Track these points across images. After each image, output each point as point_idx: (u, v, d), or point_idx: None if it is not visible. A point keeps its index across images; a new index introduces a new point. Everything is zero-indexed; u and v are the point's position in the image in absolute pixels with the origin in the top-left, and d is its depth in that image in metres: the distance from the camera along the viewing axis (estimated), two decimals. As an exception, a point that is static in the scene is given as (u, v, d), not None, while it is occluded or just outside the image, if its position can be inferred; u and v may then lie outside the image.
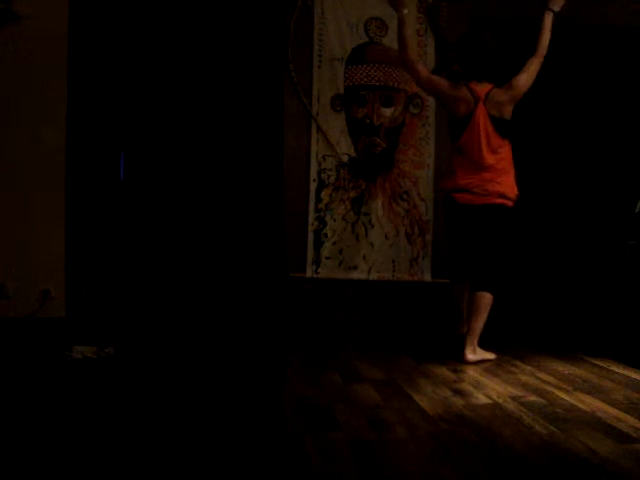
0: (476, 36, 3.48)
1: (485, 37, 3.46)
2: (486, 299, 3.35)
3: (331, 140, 4.22)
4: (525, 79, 3.40)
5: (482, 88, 3.40)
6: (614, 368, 3.25)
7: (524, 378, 3.03)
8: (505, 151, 3.42)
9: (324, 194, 4.24)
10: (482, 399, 2.65)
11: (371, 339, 3.99)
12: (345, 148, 4.24)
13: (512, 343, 3.85)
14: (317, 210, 4.24)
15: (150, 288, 4.39)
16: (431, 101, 4.21)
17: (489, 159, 3.38)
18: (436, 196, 4.17)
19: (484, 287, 3.37)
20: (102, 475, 1.83)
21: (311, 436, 2.14)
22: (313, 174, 4.23)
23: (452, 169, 3.50)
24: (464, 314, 3.54)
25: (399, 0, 3.45)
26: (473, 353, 3.35)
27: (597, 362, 3.38)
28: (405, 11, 3.45)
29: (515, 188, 3.44)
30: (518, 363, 3.36)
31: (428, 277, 4.29)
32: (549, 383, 2.93)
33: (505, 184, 3.40)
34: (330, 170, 4.24)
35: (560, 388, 2.83)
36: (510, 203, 3.43)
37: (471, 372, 3.18)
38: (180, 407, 2.49)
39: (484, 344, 3.43)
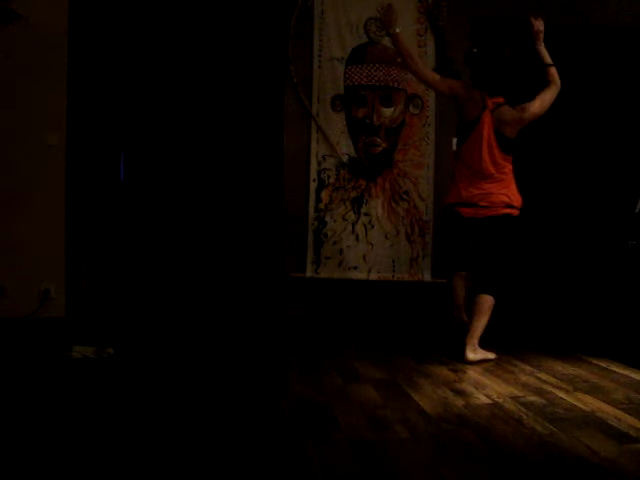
0: (495, 52, 3.37)
1: (504, 52, 3.36)
2: (488, 302, 3.36)
3: (331, 140, 4.22)
4: (537, 107, 3.36)
5: (493, 99, 3.37)
6: (614, 368, 3.25)
7: (524, 378, 3.03)
8: (506, 164, 3.42)
9: (324, 194, 4.24)
10: (482, 399, 2.65)
11: (371, 339, 3.99)
12: (345, 148, 4.24)
13: (512, 343, 3.85)
14: (317, 210, 4.24)
15: (150, 288, 4.40)
16: (431, 101, 4.22)
17: (490, 168, 3.36)
18: (437, 201, 4.20)
19: (487, 290, 3.37)
20: (102, 475, 1.83)
21: (311, 436, 2.14)
22: (313, 174, 4.23)
23: (455, 179, 3.49)
24: (462, 302, 3.59)
25: (389, 21, 3.42)
26: (474, 353, 3.35)
27: (597, 362, 3.38)
28: (398, 29, 3.43)
29: (519, 196, 3.44)
30: (518, 363, 3.36)
31: (428, 277, 4.30)
32: (549, 383, 2.93)
33: (510, 193, 3.39)
34: (330, 170, 4.24)
35: (560, 388, 2.83)
36: (516, 212, 3.42)
37: (471, 372, 3.18)
38: (180, 407, 2.49)
39: (484, 344, 3.43)
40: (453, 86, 3.48)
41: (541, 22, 3.46)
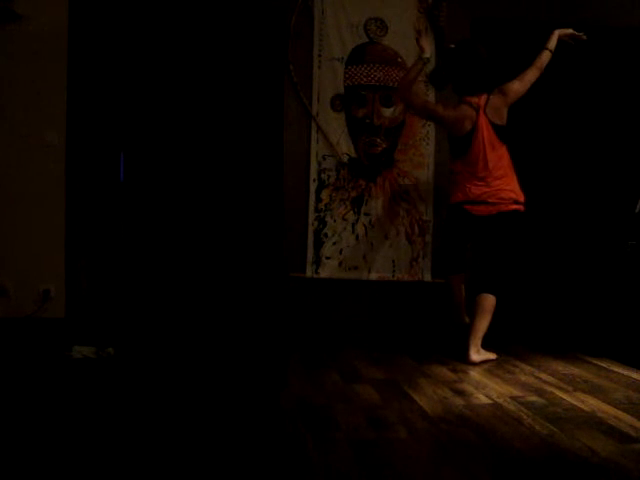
0: (471, 49, 3.43)
1: (480, 50, 3.42)
2: (490, 301, 3.36)
3: (331, 140, 4.22)
4: (517, 87, 3.40)
5: (479, 98, 3.40)
6: (614, 368, 3.25)
7: (524, 378, 3.03)
8: (506, 156, 3.43)
9: (324, 194, 4.24)
10: (482, 399, 2.65)
11: (371, 339, 3.99)
12: (345, 148, 4.24)
13: (512, 343, 3.85)
14: (317, 210, 4.24)
15: (150, 288, 4.40)
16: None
17: (495, 167, 3.37)
18: (437, 201, 4.21)
19: (489, 290, 3.37)
20: (102, 475, 1.83)
21: (311, 436, 2.14)
22: (313, 174, 4.23)
23: (457, 182, 3.48)
24: (463, 303, 3.61)
25: (422, 47, 3.54)
26: (477, 353, 3.35)
27: (597, 362, 3.38)
28: (425, 57, 3.52)
29: (522, 193, 3.45)
30: (518, 363, 3.36)
31: (428, 277, 4.29)
32: (549, 383, 2.93)
33: (515, 190, 3.41)
34: (330, 170, 4.24)
35: (560, 388, 2.83)
36: (522, 208, 3.43)
37: (471, 372, 3.18)
38: (180, 407, 2.49)
39: (484, 344, 3.43)
40: (430, 109, 3.56)
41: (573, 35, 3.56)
